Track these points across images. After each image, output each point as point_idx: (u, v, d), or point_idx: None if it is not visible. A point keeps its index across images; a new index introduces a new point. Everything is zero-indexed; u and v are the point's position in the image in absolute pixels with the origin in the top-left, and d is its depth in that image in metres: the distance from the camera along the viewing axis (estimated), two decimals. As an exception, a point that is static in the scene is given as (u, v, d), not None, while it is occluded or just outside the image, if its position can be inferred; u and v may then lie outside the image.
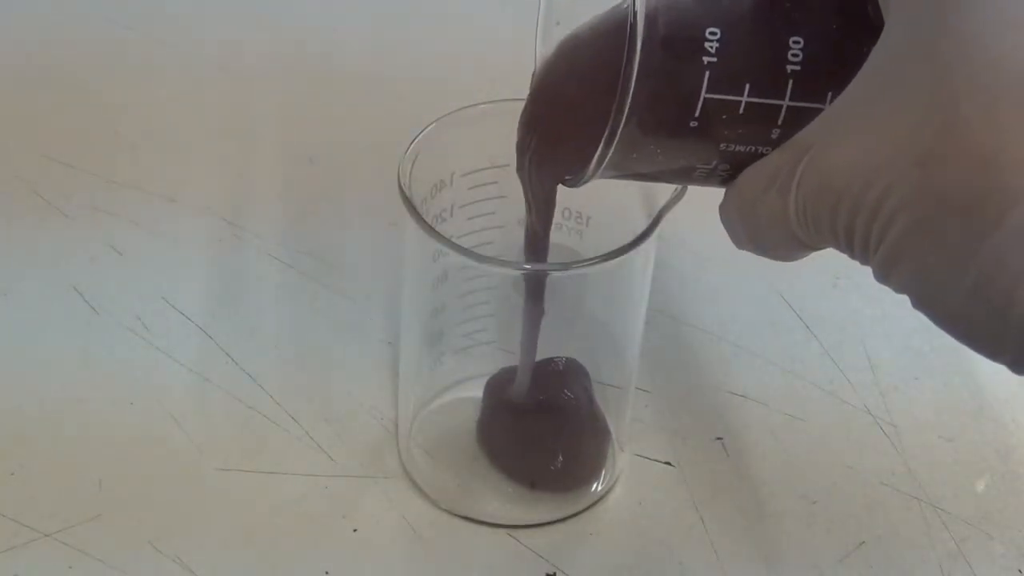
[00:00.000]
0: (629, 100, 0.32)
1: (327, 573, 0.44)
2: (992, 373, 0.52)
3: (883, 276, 0.31)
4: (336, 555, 0.45)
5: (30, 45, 0.66)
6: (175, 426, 0.48)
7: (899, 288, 0.30)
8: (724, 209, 0.36)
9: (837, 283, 0.56)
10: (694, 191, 0.40)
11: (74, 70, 0.65)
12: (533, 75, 0.38)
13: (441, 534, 0.46)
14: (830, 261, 0.56)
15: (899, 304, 0.56)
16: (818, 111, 0.32)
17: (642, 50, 0.32)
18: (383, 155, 0.47)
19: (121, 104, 0.63)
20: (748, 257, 0.55)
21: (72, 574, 0.44)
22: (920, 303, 0.30)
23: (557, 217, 0.45)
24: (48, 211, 0.57)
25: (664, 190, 0.41)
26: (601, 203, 0.44)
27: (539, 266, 0.42)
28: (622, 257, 0.40)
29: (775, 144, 0.33)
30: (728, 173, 0.35)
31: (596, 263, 0.40)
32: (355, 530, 0.46)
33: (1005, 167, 0.27)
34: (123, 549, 0.44)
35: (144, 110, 0.63)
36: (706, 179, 0.35)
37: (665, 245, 0.45)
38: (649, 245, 0.41)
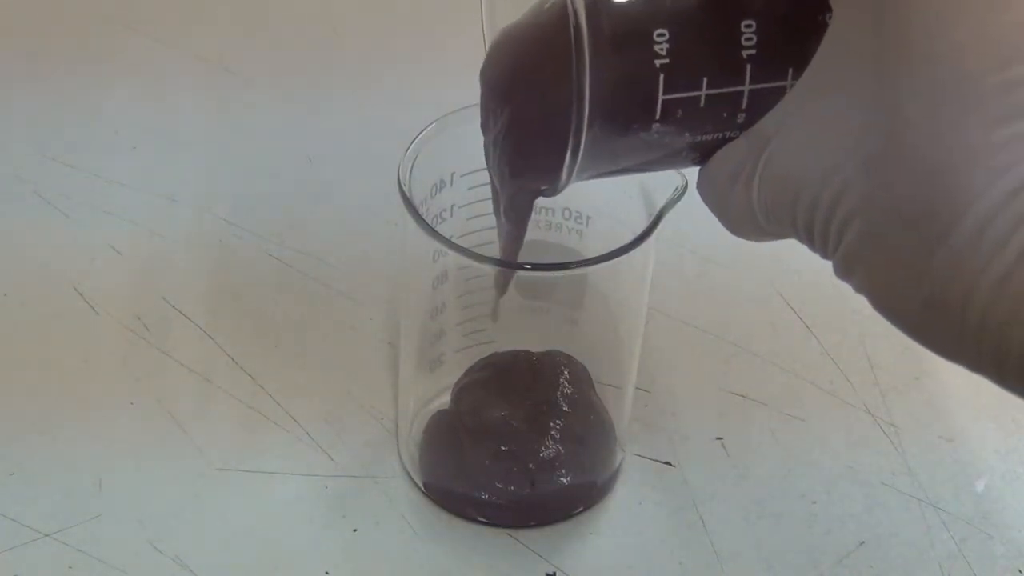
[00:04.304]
0: (586, 113, 0.31)
1: (327, 573, 0.44)
2: (992, 373, 0.52)
3: (842, 276, 0.30)
4: (336, 555, 0.45)
5: (30, 44, 0.66)
6: (175, 426, 0.48)
7: (858, 290, 0.30)
8: (700, 193, 0.35)
9: (837, 283, 0.56)
10: (695, 192, 0.40)
11: (74, 69, 0.65)
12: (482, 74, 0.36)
13: (441, 534, 0.46)
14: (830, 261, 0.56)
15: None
16: (782, 88, 0.32)
17: (591, 64, 0.31)
18: (383, 155, 0.47)
19: (121, 104, 0.63)
20: (748, 257, 0.56)
21: (72, 574, 0.44)
22: (878, 308, 0.30)
23: (557, 217, 0.45)
24: (48, 211, 0.57)
25: (664, 190, 0.41)
26: (601, 203, 0.44)
27: (540, 266, 0.42)
28: (622, 257, 0.40)
29: (743, 127, 0.33)
30: (699, 159, 0.34)
31: (596, 263, 0.40)
32: (355, 530, 0.46)
33: (949, 176, 0.26)
34: (123, 549, 0.44)
35: (144, 110, 0.63)
36: (680, 164, 0.35)
37: (665, 245, 0.45)
38: (649, 245, 0.41)
